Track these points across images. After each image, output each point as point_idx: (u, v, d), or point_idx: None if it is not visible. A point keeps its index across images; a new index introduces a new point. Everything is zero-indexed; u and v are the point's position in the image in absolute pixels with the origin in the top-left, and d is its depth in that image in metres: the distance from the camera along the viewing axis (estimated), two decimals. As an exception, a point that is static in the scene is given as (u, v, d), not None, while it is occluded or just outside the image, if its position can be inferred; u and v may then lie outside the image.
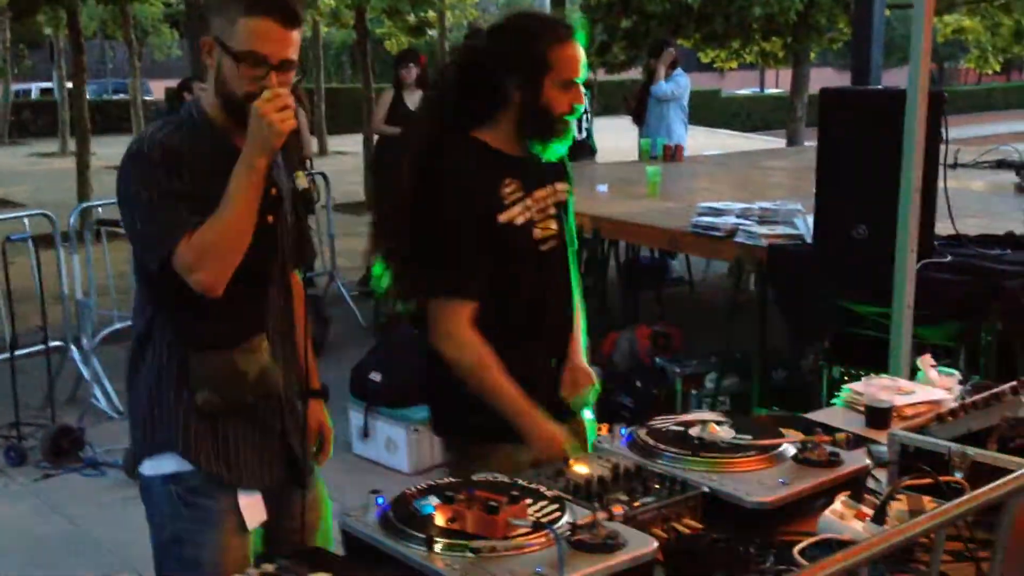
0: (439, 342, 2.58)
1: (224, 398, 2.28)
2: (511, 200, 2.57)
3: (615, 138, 10.18)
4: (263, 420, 2.38)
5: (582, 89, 2.60)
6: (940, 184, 4.11)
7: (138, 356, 2.36)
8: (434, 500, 1.82)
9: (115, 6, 15.28)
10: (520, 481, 1.97)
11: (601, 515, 1.74)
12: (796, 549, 1.79)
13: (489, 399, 2.55)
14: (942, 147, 4.06)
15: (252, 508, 2.37)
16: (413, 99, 8.51)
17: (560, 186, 2.72)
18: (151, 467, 2.34)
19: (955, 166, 6.38)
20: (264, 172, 2.20)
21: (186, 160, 2.21)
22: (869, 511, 1.86)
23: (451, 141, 2.57)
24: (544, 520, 1.76)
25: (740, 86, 40.55)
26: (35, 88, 31.55)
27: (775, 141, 22.55)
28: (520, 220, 2.58)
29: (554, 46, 2.52)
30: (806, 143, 15.31)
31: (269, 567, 1.71)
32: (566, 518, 1.78)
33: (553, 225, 2.65)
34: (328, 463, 5.16)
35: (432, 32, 18.58)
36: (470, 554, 1.67)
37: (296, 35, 2.26)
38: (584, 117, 7.75)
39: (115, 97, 29.75)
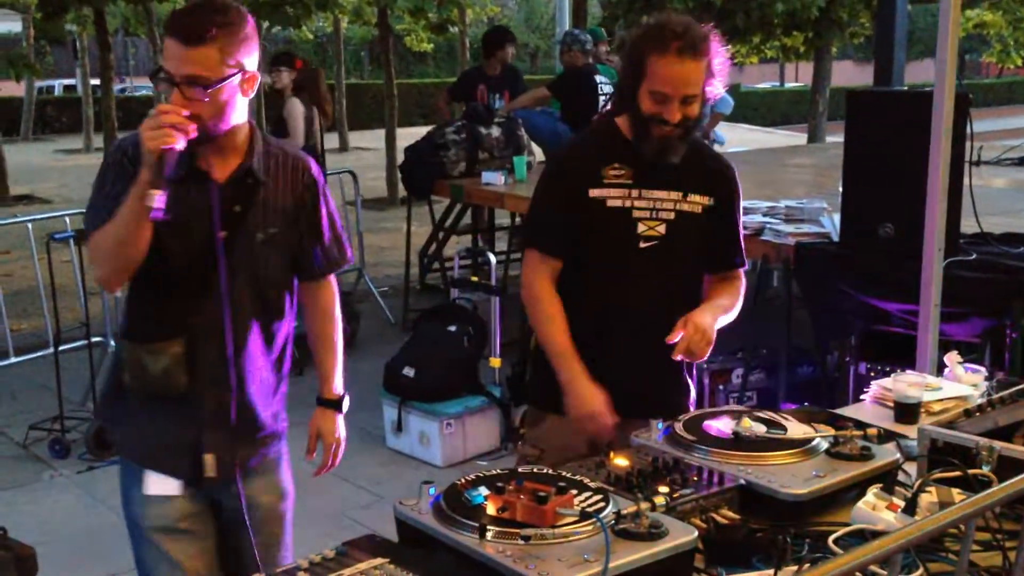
0: (521, 290, 2.79)
1: (137, 384, 2.48)
2: (612, 181, 2.66)
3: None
4: (178, 414, 2.49)
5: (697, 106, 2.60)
6: (964, 182, 4.16)
7: None
8: (484, 490, 1.91)
9: (139, 5, 15.38)
10: (565, 473, 2.06)
11: (644, 505, 1.82)
12: (831, 539, 1.87)
13: (545, 351, 2.71)
14: (966, 145, 4.11)
15: (160, 482, 2.52)
16: (287, 106, 7.76)
17: (697, 198, 2.70)
18: None
19: (978, 163, 6.42)
20: (144, 184, 2.23)
21: (128, 163, 2.34)
22: (900, 503, 1.93)
23: (597, 120, 2.70)
24: (590, 510, 1.84)
25: (759, 80, 40.38)
26: (58, 85, 31.74)
27: (796, 136, 22.49)
28: (615, 203, 2.65)
29: (652, 55, 2.55)
30: (828, 138, 15.30)
31: (330, 553, 1.81)
32: (610, 508, 1.86)
33: (661, 228, 2.68)
34: (363, 456, 5.30)
35: (453, 28, 18.63)
36: (521, 541, 1.75)
37: (202, 53, 2.27)
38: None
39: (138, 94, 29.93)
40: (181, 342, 2.43)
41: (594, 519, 1.79)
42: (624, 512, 1.81)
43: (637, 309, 2.71)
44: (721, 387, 5.17)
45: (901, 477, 2.14)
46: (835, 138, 13.21)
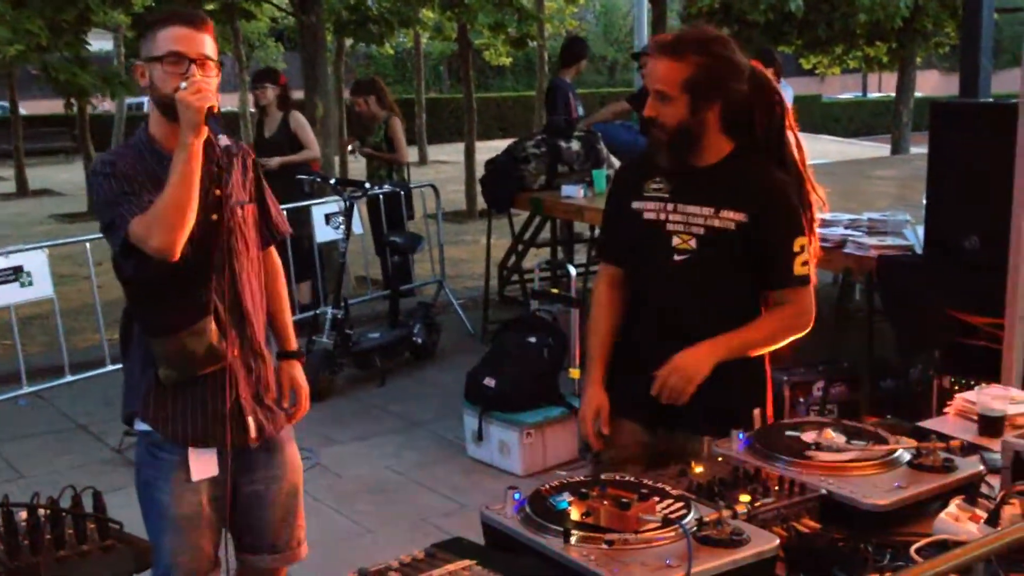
0: None
1: (180, 373, 2.73)
2: (650, 195, 2.77)
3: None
4: (215, 387, 2.77)
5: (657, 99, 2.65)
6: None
7: (126, 337, 2.88)
8: (568, 496, 1.96)
9: (227, 25, 15.77)
10: (647, 480, 2.10)
11: (726, 513, 1.86)
12: (913, 548, 1.87)
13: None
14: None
15: (201, 463, 2.79)
16: (273, 123, 7.82)
17: (730, 214, 2.68)
18: (138, 425, 2.84)
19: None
20: (197, 151, 2.54)
21: (125, 172, 2.63)
22: (983, 514, 1.93)
23: None
24: (672, 516, 1.88)
25: (841, 91, 39.81)
26: (146, 102, 32.52)
27: (879, 147, 22.13)
28: (650, 215, 2.75)
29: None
30: (912, 150, 15.05)
31: (419, 554, 1.87)
32: (692, 515, 1.90)
33: (692, 243, 2.71)
34: (445, 465, 5.38)
35: (532, 43, 18.73)
36: (604, 546, 1.80)
37: (206, 37, 2.64)
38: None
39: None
40: (211, 319, 2.73)
41: (676, 525, 1.83)
42: (706, 519, 1.84)
43: (677, 320, 2.76)
44: (802, 399, 5.14)
45: (984, 489, 2.13)
46: (919, 149, 13.00)
